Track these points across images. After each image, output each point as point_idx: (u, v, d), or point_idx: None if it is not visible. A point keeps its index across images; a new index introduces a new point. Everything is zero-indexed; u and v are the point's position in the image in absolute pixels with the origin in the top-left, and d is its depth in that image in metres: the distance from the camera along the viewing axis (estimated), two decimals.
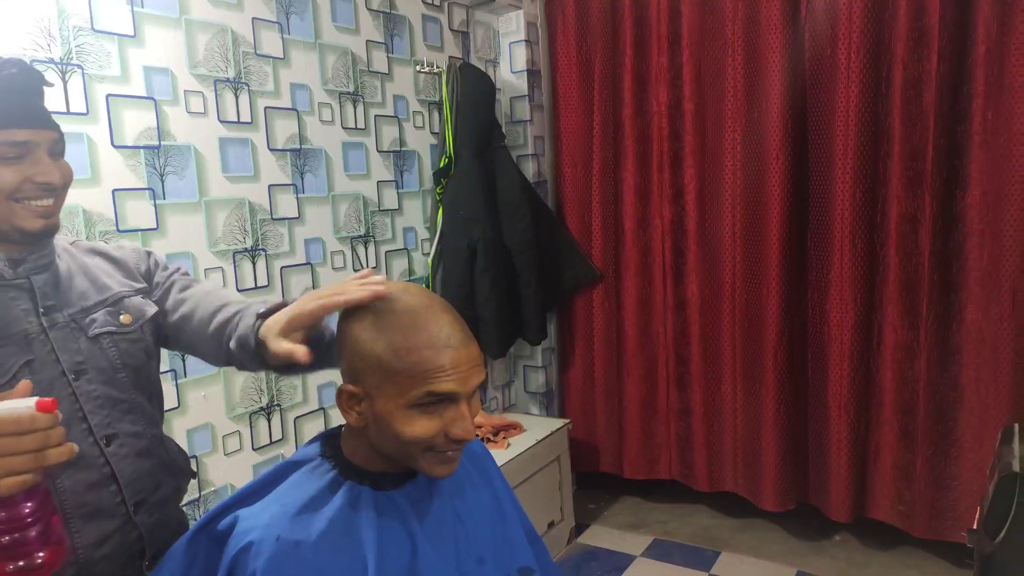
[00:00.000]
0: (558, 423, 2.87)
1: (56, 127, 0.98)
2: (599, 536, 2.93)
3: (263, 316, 1.00)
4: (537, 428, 2.81)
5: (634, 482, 3.13)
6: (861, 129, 2.41)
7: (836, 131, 2.46)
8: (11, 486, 0.72)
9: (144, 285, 1.14)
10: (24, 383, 0.78)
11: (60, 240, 1.06)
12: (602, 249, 3.00)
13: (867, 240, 2.48)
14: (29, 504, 0.76)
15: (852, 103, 2.41)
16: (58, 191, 0.98)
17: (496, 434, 2.70)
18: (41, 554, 0.78)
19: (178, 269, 1.20)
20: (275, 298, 2.10)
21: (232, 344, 1.05)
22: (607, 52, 2.90)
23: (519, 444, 2.64)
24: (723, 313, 2.78)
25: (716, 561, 2.68)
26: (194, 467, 1.89)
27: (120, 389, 1.04)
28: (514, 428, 2.77)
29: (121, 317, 1.07)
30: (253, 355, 1.01)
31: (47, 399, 0.74)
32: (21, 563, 0.77)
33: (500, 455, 2.51)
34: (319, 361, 1.01)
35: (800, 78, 2.55)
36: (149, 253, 1.18)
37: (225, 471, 1.98)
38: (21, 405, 0.74)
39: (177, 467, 1.15)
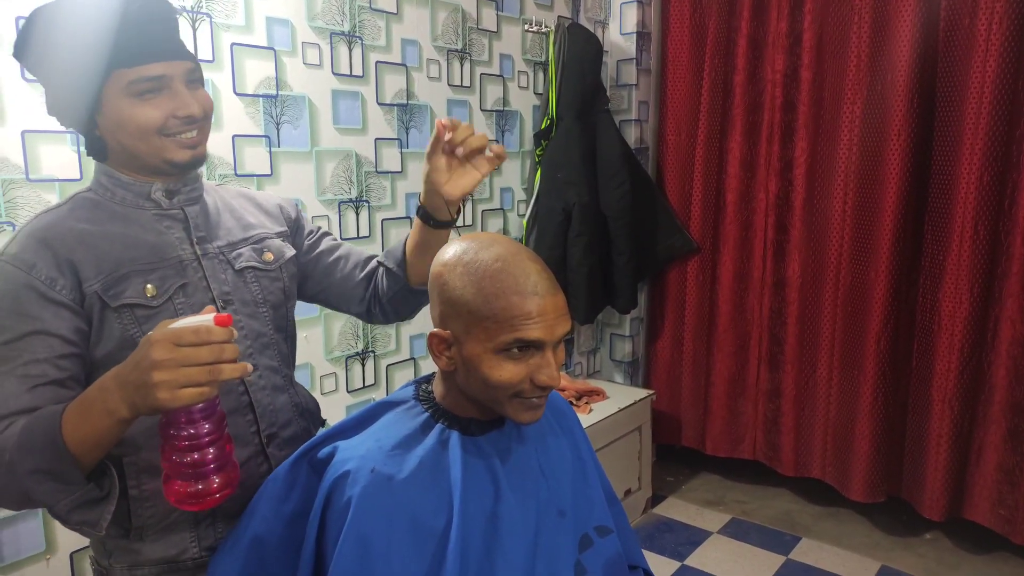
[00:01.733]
0: (642, 393, 2.86)
1: (191, 56, 0.99)
2: (676, 509, 2.92)
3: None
4: (620, 396, 2.80)
5: (715, 459, 3.10)
6: (996, 108, 2.24)
7: (967, 108, 2.29)
8: (190, 396, 0.76)
9: (285, 229, 1.18)
10: (208, 307, 0.83)
11: (208, 181, 1.12)
12: (700, 221, 2.93)
13: (991, 228, 2.31)
14: (207, 424, 0.81)
15: (988, 79, 2.23)
16: (200, 122, 0.99)
17: (579, 398, 2.72)
18: (216, 478, 0.83)
19: (320, 226, 1.29)
20: (378, 250, 2.17)
21: (389, 263, 1.20)
22: (722, 15, 2.79)
23: (601, 410, 2.65)
24: (825, 294, 2.68)
25: (795, 546, 2.62)
26: None
27: (261, 323, 1.09)
28: (597, 394, 2.78)
29: (264, 255, 1.11)
30: (401, 263, 1.17)
31: (223, 315, 0.78)
32: (199, 486, 0.82)
33: (582, 420, 2.53)
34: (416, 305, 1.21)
35: (932, 49, 2.38)
36: (298, 204, 1.25)
37: (322, 410, 2.08)
38: (200, 319, 0.78)
39: (307, 409, 1.19)
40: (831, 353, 2.68)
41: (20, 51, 0.94)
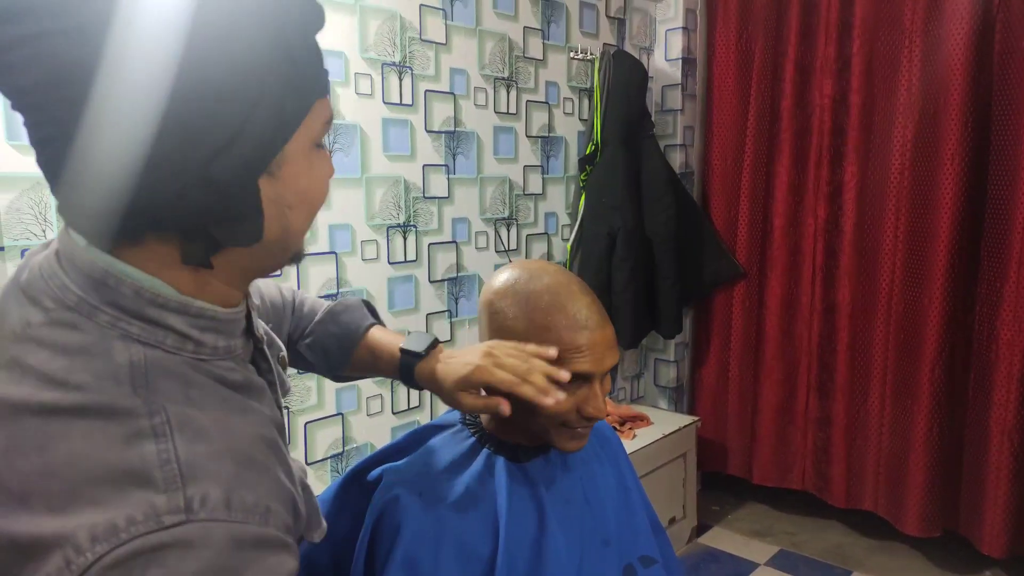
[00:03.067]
0: (687, 419, 2.83)
1: None
2: (721, 539, 2.86)
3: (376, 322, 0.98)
4: (665, 422, 2.78)
5: (762, 489, 3.03)
6: None
7: None
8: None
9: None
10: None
11: None
12: (747, 246, 2.90)
13: None
14: None
15: None
16: None
17: (623, 424, 2.70)
18: None
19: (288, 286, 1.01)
20: (424, 274, 2.21)
21: (331, 326, 0.94)
22: (769, 40, 2.79)
23: (645, 436, 2.63)
24: (876, 321, 2.62)
25: None
26: (340, 424, 2.04)
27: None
28: (641, 420, 2.76)
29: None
30: (346, 351, 0.92)
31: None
32: None
33: (625, 446, 2.51)
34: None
35: (987, 73, 2.33)
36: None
37: (367, 430, 2.12)
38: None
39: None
40: (883, 382, 2.61)
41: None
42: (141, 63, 0.45)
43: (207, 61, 0.47)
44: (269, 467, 0.54)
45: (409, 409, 2.23)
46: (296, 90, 0.52)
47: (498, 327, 0.92)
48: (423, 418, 2.27)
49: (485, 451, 0.98)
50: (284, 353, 0.75)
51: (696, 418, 2.87)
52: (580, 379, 0.89)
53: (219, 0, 0.48)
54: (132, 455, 0.46)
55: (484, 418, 1.02)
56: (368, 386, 2.11)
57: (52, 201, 1.47)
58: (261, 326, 0.67)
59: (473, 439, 1.00)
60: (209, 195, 0.49)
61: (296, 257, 0.62)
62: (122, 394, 0.48)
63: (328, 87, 0.58)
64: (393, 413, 2.20)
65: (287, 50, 0.51)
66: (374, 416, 2.14)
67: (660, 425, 2.74)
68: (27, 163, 1.43)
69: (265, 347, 0.65)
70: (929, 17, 2.37)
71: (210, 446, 0.49)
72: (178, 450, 0.48)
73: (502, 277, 0.94)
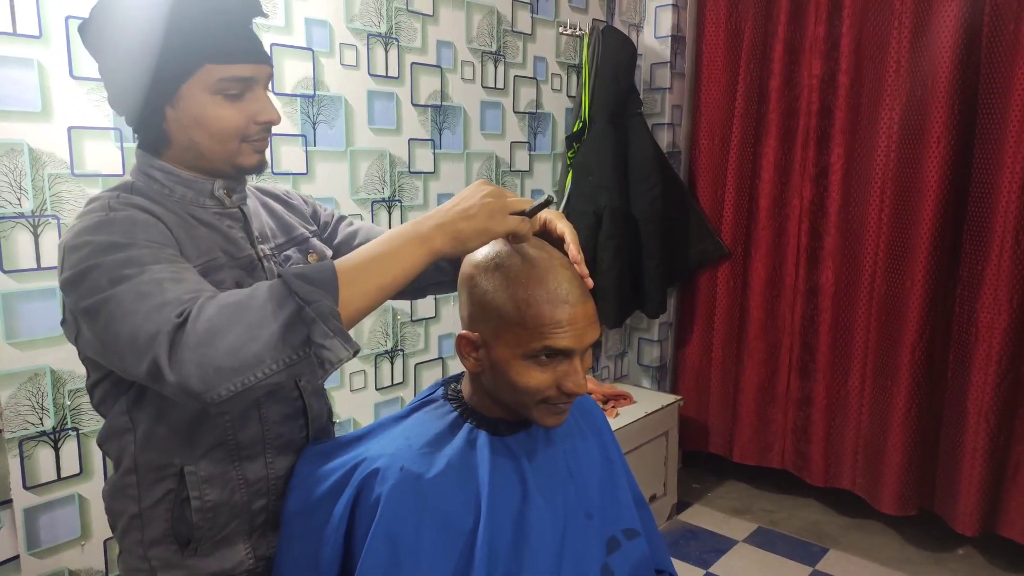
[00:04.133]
0: (669, 398, 2.84)
1: (271, 61, 0.96)
2: (701, 516, 2.89)
3: None
4: (647, 401, 2.79)
5: (742, 467, 3.06)
6: None
7: (1011, 117, 2.24)
8: (516, 222, 0.85)
9: (316, 228, 1.16)
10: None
11: None
12: (732, 226, 2.90)
13: None
14: None
15: None
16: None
17: (606, 402, 2.72)
18: None
19: (331, 208, 1.24)
20: None
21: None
22: (759, 19, 2.77)
23: (627, 415, 2.64)
24: (859, 303, 2.64)
25: (823, 557, 2.59)
26: None
27: None
28: (624, 399, 2.77)
29: (309, 257, 1.09)
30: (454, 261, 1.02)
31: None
32: None
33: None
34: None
35: (975, 56, 2.33)
36: (308, 197, 1.21)
37: (350, 406, 2.11)
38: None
39: (331, 411, 1.18)
40: (864, 362, 2.64)
41: (87, 33, 0.90)
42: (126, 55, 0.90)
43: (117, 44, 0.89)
44: (176, 227, 0.90)
45: (392, 385, 2.23)
46: (178, 59, 0.87)
47: (478, 301, 0.91)
48: (407, 394, 2.26)
49: (467, 425, 0.98)
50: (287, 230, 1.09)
51: (679, 397, 2.89)
52: (560, 354, 0.88)
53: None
54: (99, 203, 0.89)
55: (465, 392, 1.01)
56: (351, 362, 2.10)
57: (27, 168, 1.44)
58: (263, 214, 1.06)
59: (455, 413, 1.00)
60: (142, 117, 0.92)
61: (239, 168, 0.95)
62: (114, 192, 0.93)
63: (232, 56, 0.88)
64: (376, 389, 2.19)
65: (172, 34, 0.86)
66: (357, 392, 2.13)
67: (643, 404, 2.76)
68: (0, 128, 1.40)
69: (246, 214, 1.01)
70: None
71: (149, 207, 0.89)
72: (112, 203, 0.88)
73: (483, 251, 0.93)
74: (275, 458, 1.00)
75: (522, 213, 0.86)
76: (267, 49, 1.78)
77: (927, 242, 2.41)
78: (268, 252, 1.03)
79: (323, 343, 0.75)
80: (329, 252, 1.14)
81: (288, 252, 1.07)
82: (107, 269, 0.79)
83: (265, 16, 0.97)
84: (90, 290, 0.80)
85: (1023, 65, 2.20)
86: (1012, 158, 2.25)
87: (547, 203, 0.87)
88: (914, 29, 2.39)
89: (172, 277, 0.79)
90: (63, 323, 0.93)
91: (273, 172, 1.84)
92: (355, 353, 0.78)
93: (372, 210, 2.09)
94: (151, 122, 0.92)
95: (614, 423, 2.54)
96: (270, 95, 0.97)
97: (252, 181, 1.10)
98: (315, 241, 1.13)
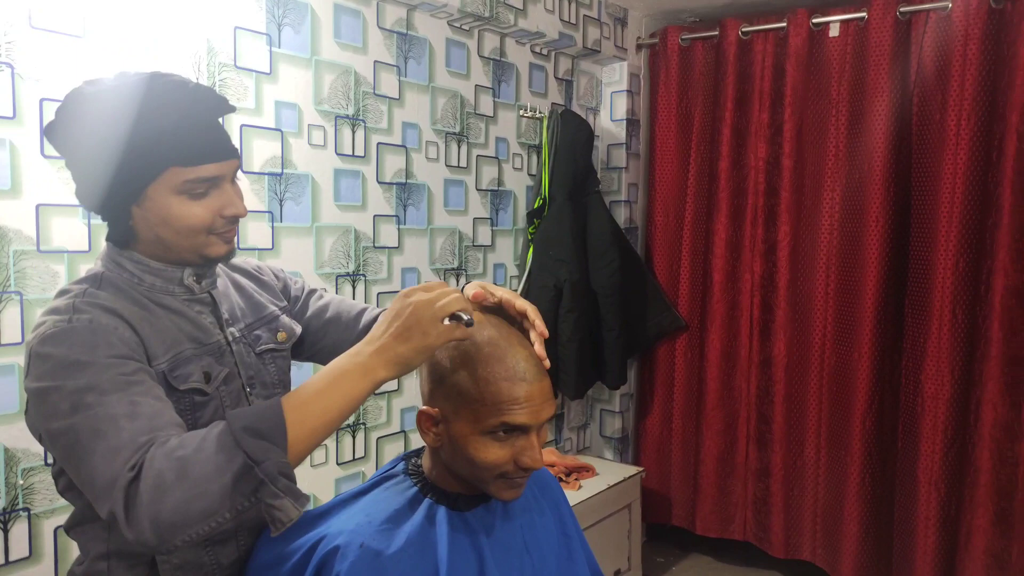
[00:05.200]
0: (632, 470, 2.86)
1: (238, 154, 0.97)
2: None
3: None
4: (610, 473, 2.80)
5: (706, 540, 3.07)
6: (968, 197, 2.35)
7: (941, 198, 2.40)
8: (450, 329, 0.87)
9: (286, 303, 1.18)
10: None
11: None
12: (688, 299, 3.00)
13: (969, 312, 2.39)
14: None
15: (960, 170, 2.35)
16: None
17: (568, 475, 2.72)
18: None
19: (303, 280, 1.27)
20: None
21: None
22: (707, 106, 2.94)
23: (590, 487, 2.64)
24: (810, 374, 2.72)
25: None
26: None
27: None
28: (587, 471, 2.78)
29: (278, 335, 1.11)
30: None
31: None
32: None
33: (571, 496, 2.52)
34: None
35: (906, 141, 2.51)
36: (280, 270, 1.23)
37: (311, 482, 2.09)
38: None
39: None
40: (818, 432, 2.70)
41: (54, 133, 0.92)
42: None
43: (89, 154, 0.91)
44: (141, 325, 0.92)
45: (354, 459, 2.21)
46: (143, 163, 0.89)
47: (438, 378, 0.95)
48: (368, 469, 2.25)
49: (427, 501, 0.99)
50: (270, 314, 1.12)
51: (641, 469, 2.90)
52: (517, 430, 0.92)
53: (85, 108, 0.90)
54: (65, 303, 0.90)
55: (426, 467, 1.03)
56: None
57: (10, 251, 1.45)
58: (232, 294, 1.08)
59: (415, 489, 1.01)
60: (109, 215, 0.95)
61: (206, 259, 0.98)
62: (82, 285, 0.93)
63: (197, 158, 0.91)
64: (338, 464, 2.17)
65: (137, 137, 0.88)
66: (318, 467, 2.11)
67: (605, 475, 2.77)
68: None
69: (216, 298, 1.03)
70: (854, 90, 2.55)
71: (113, 303, 0.91)
72: (77, 304, 0.89)
73: None
74: (247, 539, 1.01)
75: (455, 318, 0.87)
76: (236, 131, 1.85)
77: (871, 316, 2.52)
78: (237, 335, 1.04)
79: (272, 503, 0.79)
80: (298, 329, 1.16)
81: (258, 332, 1.08)
82: (67, 394, 0.82)
83: (233, 110, 0.98)
84: (51, 413, 0.83)
85: (950, 151, 2.37)
86: (945, 237, 2.39)
87: (469, 323, 0.88)
88: (850, 117, 2.57)
89: (127, 412, 0.81)
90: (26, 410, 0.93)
91: (239, 247, 1.87)
92: (304, 507, 0.82)
93: (337, 284, 2.13)
94: (118, 219, 0.95)
95: (577, 495, 2.54)
96: (239, 181, 1.00)
97: None
98: (284, 319, 1.14)
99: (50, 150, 1.52)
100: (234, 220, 0.97)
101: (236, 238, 1.02)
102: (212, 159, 0.92)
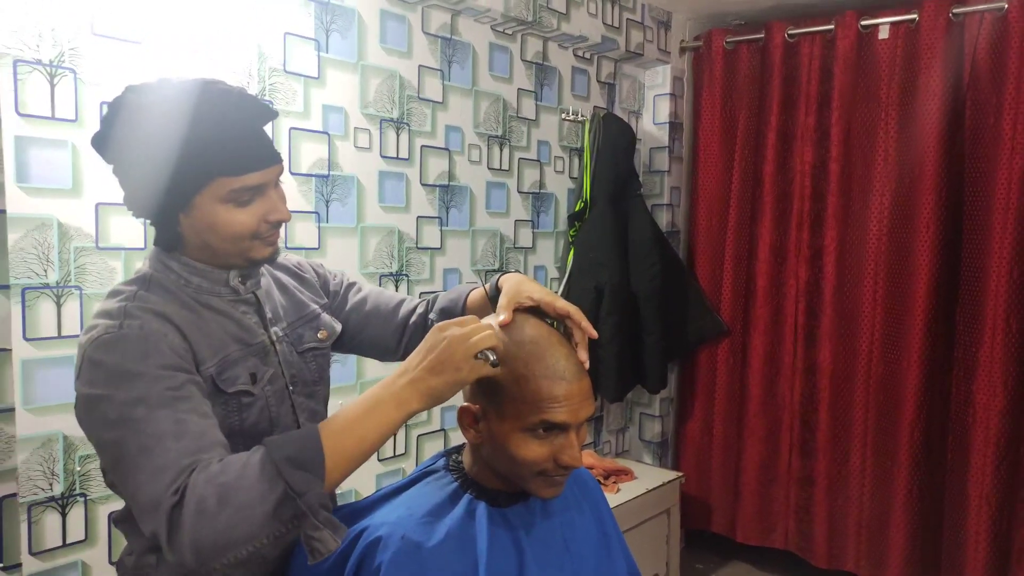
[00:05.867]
0: (671, 475, 2.84)
1: (281, 159, 0.99)
2: None
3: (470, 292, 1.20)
4: (649, 477, 2.79)
5: (746, 548, 3.02)
6: None
7: (996, 204, 2.34)
8: (482, 366, 0.89)
9: (327, 301, 1.21)
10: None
11: None
12: (731, 305, 2.96)
13: (1023, 321, 2.31)
14: None
15: (1015, 175, 2.28)
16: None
17: (607, 478, 2.71)
18: None
19: (343, 274, 1.30)
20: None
21: (432, 315, 1.22)
22: (752, 109, 2.91)
23: (629, 491, 2.63)
24: (857, 382, 2.67)
25: None
26: None
27: (316, 401, 1.13)
28: (625, 474, 2.76)
29: (319, 334, 1.14)
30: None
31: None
32: None
33: (609, 499, 2.51)
34: None
35: (959, 146, 2.45)
36: (319, 265, 1.26)
37: (352, 477, 2.12)
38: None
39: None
40: (864, 442, 2.65)
41: (101, 142, 0.94)
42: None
43: (137, 164, 0.94)
44: (190, 330, 0.95)
45: (395, 456, 2.24)
46: (191, 174, 0.92)
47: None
48: (408, 465, 2.28)
49: (467, 496, 1.01)
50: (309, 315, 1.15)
51: (680, 474, 2.88)
52: (557, 428, 0.93)
53: (139, 120, 0.92)
54: (117, 306, 0.93)
55: (466, 463, 1.05)
56: None
57: (55, 242, 1.52)
58: (275, 293, 1.11)
59: (455, 484, 1.03)
60: (157, 221, 0.99)
61: (251, 262, 1.01)
62: (132, 287, 0.97)
63: (242, 168, 0.93)
64: (379, 460, 2.21)
65: (185, 149, 0.90)
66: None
67: (644, 480, 2.75)
68: (33, 204, 1.48)
69: (260, 299, 1.06)
70: (904, 92, 2.50)
71: (164, 308, 0.94)
72: (128, 308, 0.92)
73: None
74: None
75: (482, 356, 0.89)
76: (285, 134, 1.90)
77: (921, 324, 2.46)
78: (281, 334, 1.07)
79: (313, 535, 0.81)
80: (338, 327, 1.19)
81: (300, 330, 1.11)
82: (117, 405, 0.85)
83: (276, 116, 1.00)
84: (101, 422, 0.86)
85: (1005, 157, 2.30)
86: (999, 244, 2.33)
87: (495, 364, 0.90)
88: (900, 121, 2.51)
89: (174, 432, 0.83)
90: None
91: (287, 246, 1.92)
92: (342, 538, 0.84)
93: (380, 283, 2.16)
94: (166, 226, 0.98)
95: (615, 499, 2.53)
96: (282, 184, 1.03)
97: None
98: (325, 317, 1.17)
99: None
100: (278, 224, 0.99)
101: (278, 242, 1.04)
102: (257, 167, 0.94)
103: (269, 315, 1.07)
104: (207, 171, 0.92)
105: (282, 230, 1.89)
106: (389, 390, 0.88)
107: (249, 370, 0.99)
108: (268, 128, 1.70)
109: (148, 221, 1.00)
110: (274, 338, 1.05)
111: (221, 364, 0.96)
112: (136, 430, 0.83)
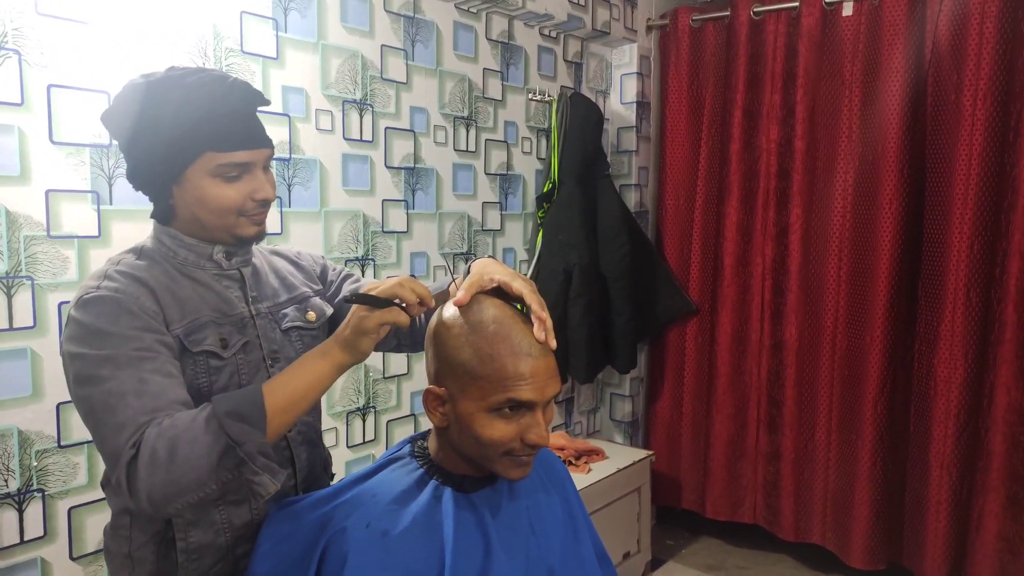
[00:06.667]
0: (641, 454, 2.87)
1: (271, 144, 1.07)
2: (675, 574, 2.88)
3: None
4: (620, 456, 2.81)
5: (715, 523, 3.07)
6: (984, 179, 2.31)
7: (956, 179, 2.37)
8: (395, 315, 0.96)
9: (321, 287, 1.26)
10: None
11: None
12: (699, 283, 2.98)
13: (983, 295, 2.36)
14: None
15: (975, 151, 2.31)
16: (271, 203, 1.09)
17: (578, 458, 2.73)
18: None
19: (341, 266, 1.36)
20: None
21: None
22: (718, 88, 2.91)
23: (600, 470, 2.65)
24: (822, 358, 2.71)
25: None
26: None
27: None
28: (596, 454, 2.78)
29: (307, 314, 1.19)
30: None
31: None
32: None
33: (580, 479, 2.53)
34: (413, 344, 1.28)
35: (920, 122, 2.47)
36: (321, 256, 1.33)
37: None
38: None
39: (327, 463, 1.28)
40: (829, 416, 2.69)
41: (109, 119, 1.02)
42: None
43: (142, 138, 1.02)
44: (163, 294, 1.02)
45: (365, 443, 2.23)
46: (182, 147, 0.99)
47: (444, 356, 0.95)
48: (378, 451, 2.26)
49: (433, 482, 1.00)
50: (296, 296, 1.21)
51: (650, 452, 2.91)
52: (523, 407, 0.92)
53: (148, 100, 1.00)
54: (104, 268, 1.03)
55: (432, 449, 1.04)
56: (323, 419, 2.10)
57: (4, 231, 1.47)
58: (269, 274, 1.18)
59: (421, 470, 1.02)
60: (153, 193, 1.06)
61: (237, 239, 1.07)
62: (125, 255, 1.06)
63: (231, 144, 1.00)
64: (348, 447, 2.19)
65: (177, 123, 0.98)
66: (329, 450, 2.12)
67: (615, 459, 2.77)
68: None
69: (244, 275, 1.13)
70: (867, 70, 2.51)
71: (141, 273, 1.02)
72: (110, 271, 1.01)
73: (449, 309, 0.98)
74: (261, 505, 1.07)
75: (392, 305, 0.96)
76: None
77: (884, 299, 2.50)
78: (264, 310, 1.14)
79: (253, 479, 0.92)
80: (329, 310, 1.24)
81: (286, 310, 1.17)
82: (88, 362, 0.94)
83: (267, 103, 1.07)
84: (74, 378, 0.95)
85: (965, 132, 2.33)
86: (959, 219, 2.36)
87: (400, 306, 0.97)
88: (864, 98, 2.53)
89: (135, 390, 0.92)
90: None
91: None
92: (281, 481, 0.95)
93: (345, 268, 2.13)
94: (160, 198, 1.06)
95: (587, 479, 2.55)
96: (272, 170, 1.08)
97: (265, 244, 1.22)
98: (315, 300, 1.22)
99: (59, 136, 1.53)
100: (264, 204, 1.06)
101: (265, 222, 1.10)
102: (245, 146, 1.02)
103: (254, 293, 1.13)
104: (198, 145, 0.99)
105: None
106: (321, 346, 0.99)
107: (220, 335, 1.05)
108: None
109: (146, 194, 1.07)
110: (254, 312, 1.11)
111: (189, 326, 1.02)
112: (103, 389, 0.91)
